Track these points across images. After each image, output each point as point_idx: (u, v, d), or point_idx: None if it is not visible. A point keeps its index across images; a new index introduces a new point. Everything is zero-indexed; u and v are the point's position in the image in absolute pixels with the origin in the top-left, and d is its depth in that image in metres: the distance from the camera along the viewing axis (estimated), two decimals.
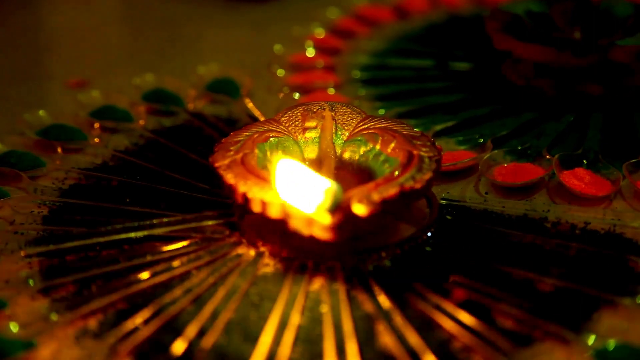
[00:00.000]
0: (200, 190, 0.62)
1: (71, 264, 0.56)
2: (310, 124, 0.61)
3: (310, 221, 0.54)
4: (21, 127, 0.69)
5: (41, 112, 0.70)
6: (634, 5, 0.73)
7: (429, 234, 0.57)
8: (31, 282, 0.55)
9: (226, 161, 0.57)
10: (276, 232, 0.56)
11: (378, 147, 0.59)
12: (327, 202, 0.53)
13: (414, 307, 0.52)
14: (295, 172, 0.54)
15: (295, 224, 0.54)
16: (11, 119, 0.70)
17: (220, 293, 0.54)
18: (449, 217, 0.59)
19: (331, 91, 0.74)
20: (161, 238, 0.58)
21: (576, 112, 0.70)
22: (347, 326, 0.51)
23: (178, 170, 0.64)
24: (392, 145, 0.58)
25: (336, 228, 0.54)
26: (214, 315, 0.52)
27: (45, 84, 0.80)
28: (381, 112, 0.71)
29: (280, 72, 0.77)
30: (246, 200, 0.55)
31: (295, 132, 0.60)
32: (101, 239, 0.57)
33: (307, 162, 0.59)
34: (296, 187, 0.53)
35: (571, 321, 0.51)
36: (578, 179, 0.62)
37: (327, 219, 0.53)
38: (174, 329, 0.51)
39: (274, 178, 0.54)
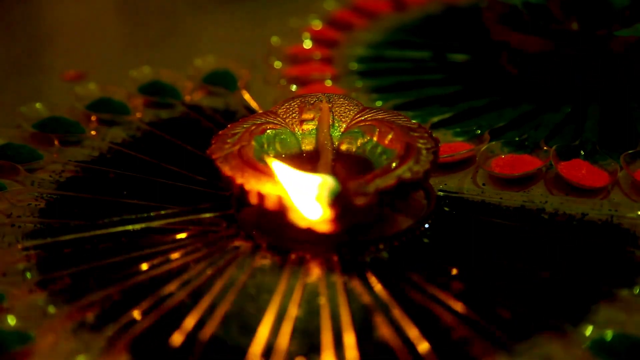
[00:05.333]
0: (197, 182, 0.62)
1: (68, 256, 0.56)
2: (308, 116, 0.61)
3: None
4: (18, 119, 0.69)
5: (38, 105, 0.70)
6: None
7: (427, 225, 0.57)
8: (28, 274, 0.55)
9: (223, 153, 0.57)
10: (273, 224, 0.56)
11: (375, 139, 0.59)
12: (324, 194, 0.53)
13: (411, 299, 0.52)
14: (287, 173, 0.54)
15: (293, 216, 0.54)
16: (8, 112, 0.70)
17: (218, 285, 0.54)
18: (446, 209, 0.59)
19: (328, 83, 0.74)
20: (159, 230, 0.58)
21: (574, 103, 0.70)
22: (345, 318, 0.51)
23: (175, 163, 0.64)
24: (390, 137, 0.58)
25: (334, 220, 0.54)
26: (212, 308, 0.52)
27: (42, 77, 0.80)
28: (378, 103, 0.71)
29: (278, 64, 0.77)
30: (243, 192, 0.55)
31: (292, 124, 0.60)
32: (98, 232, 0.57)
33: (304, 154, 0.60)
34: (292, 185, 0.54)
35: (569, 312, 0.51)
36: (576, 170, 0.62)
37: (325, 212, 0.53)
38: (171, 321, 0.51)
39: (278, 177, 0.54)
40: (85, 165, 0.64)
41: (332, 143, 0.60)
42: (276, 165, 0.54)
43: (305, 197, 0.53)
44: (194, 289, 0.53)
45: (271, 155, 0.58)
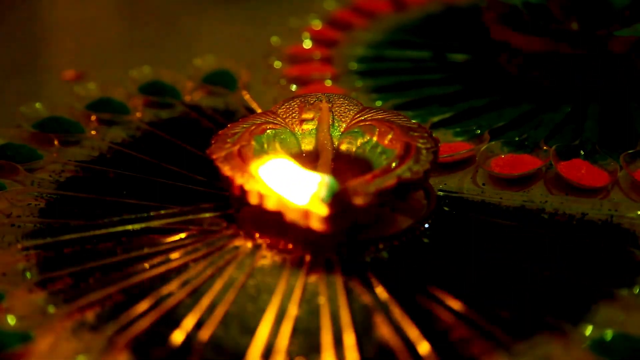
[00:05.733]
0: (197, 182, 0.62)
1: (68, 256, 0.56)
2: (308, 115, 0.61)
3: (307, 213, 0.54)
4: (18, 119, 0.69)
5: (38, 105, 0.70)
6: None
7: (427, 225, 0.57)
8: (28, 274, 0.55)
9: (223, 153, 0.57)
10: (273, 224, 0.56)
11: (375, 138, 0.59)
12: (322, 193, 0.53)
13: (411, 299, 0.52)
14: (286, 169, 0.54)
15: (292, 216, 0.54)
16: (8, 112, 0.70)
17: (218, 285, 0.54)
18: (446, 209, 0.59)
19: (328, 83, 0.74)
20: (158, 230, 0.58)
21: (573, 103, 0.70)
22: (345, 318, 0.51)
23: (175, 163, 0.64)
24: (389, 136, 0.58)
25: (333, 219, 0.54)
26: (212, 307, 0.52)
27: (42, 77, 0.80)
28: (378, 103, 0.71)
29: (277, 64, 0.77)
30: (243, 192, 0.55)
31: (292, 124, 0.60)
32: (98, 232, 0.57)
33: (304, 154, 0.60)
34: (289, 183, 0.54)
35: (568, 312, 0.51)
36: (575, 170, 0.62)
37: (323, 211, 0.53)
38: (171, 321, 0.51)
39: (264, 176, 0.54)
40: (85, 165, 0.64)
41: (332, 143, 0.60)
42: (273, 165, 0.54)
43: (304, 195, 0.54)
44: (193, 289, 0.53)
45: (270, 153, 0.58)
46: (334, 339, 0.50)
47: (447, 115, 0.69)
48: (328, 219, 0.54)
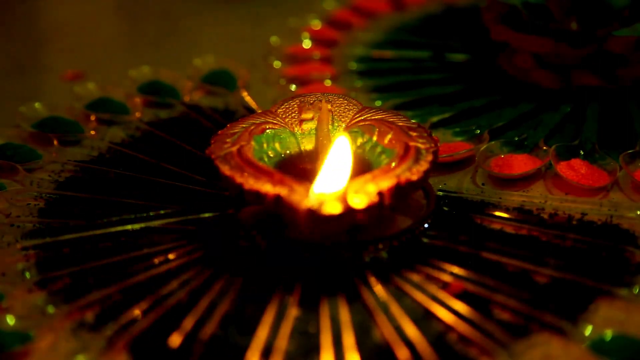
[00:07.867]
0: (196, 182, 0.62)
1: (68, 256, 0.56)
2: (307, 115, 0.61)
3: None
4: (17, 119, 0.69)
5: (37, 105, 0.70)
6: None
7: (426, 225, 0.57)
8: (28, 274, 0.55)
9: (222, 153, 0.57)
10: (273, 224, 0.56)
11: (375, 138, 0.59)
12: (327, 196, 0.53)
13: (411, 299, 0.52)
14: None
15: (292, 216, 0.54)
16: (7, 112, 0.70)
17: (218, 285, 0.53)
18: (445, 209, 0.59)
19: (328, 83, 0.74)
20: (158, 230, 0.58)
21: (573, 103, 0.70)
22: (344, 318, 0.51)
23: (174, 163, 0.64)
24: (389, 136, 0.58)
25: (333, 219, 0.54)
26: (212, 308, 0.52)
27: (41, 77, 0.80)
28: (378, 103, 0.71)
29: (277, 64, 0.77)
30: (242, 191, 0.55)
31: (291, 124, 0.60)
32: (98, 232, 0.57)
33: (304, 154, 0.59)
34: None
35: (568, 312, 0.51)
36: (575, 170, 0.62)
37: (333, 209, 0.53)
38: (171, 321, 0.51)
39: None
40: (84, 165, 0.64)
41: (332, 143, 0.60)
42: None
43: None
44: (193, 289, 0.53)
45: (271, 155, 0.58)
46: (333, 339, 0.50)
47: (446, 115, 0.69)
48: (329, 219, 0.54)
